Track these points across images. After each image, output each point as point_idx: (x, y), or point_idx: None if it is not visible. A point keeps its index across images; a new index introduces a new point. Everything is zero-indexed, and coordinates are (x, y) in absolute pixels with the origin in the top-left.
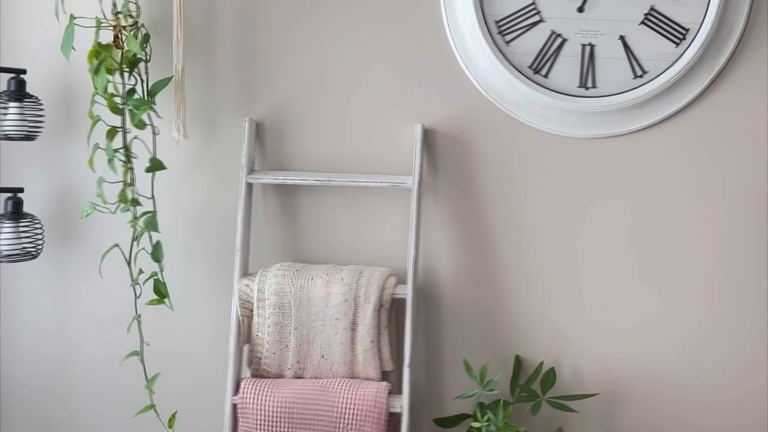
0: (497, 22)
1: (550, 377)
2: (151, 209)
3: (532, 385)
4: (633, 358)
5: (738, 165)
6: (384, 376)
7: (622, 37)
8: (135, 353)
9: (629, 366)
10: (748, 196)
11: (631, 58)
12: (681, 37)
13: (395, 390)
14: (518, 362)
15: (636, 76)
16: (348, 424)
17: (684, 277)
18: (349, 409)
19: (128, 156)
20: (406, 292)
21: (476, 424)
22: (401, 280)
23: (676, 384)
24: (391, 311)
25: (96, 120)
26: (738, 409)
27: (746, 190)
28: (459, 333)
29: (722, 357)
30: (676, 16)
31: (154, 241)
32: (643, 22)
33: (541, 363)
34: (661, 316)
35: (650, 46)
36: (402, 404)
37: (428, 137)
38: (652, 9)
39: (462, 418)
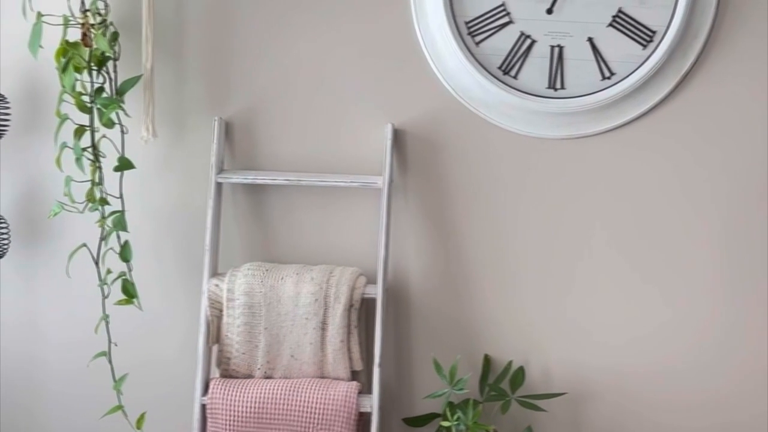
0: (467, 23)
1: (518, 376)
2: (120, 209)
3: (501, 384)
4: (601, 357)
5: (705, 164)
6: (354, 375)
7: (590, 39)
8: (103, 354)
9: (597, 365)
10: (713, 195)
11: (599, 59)
12: (648, 39)
13: (365, 390)
14: (487, 361)
15: (604, 78)
16: (318, 424)
17: (653, 277)
18: (319, 408)
19: (96, 155)
20: (376, 291)
21: (446, 423)
22: (371, 280)
23: (643, 383)
24: (361, 311)
25: (63, 119)
26: (706, 409)
27: (712, 189)
28: (428, 332)
29: (692, 357)
30: (644, 18)
31: (122, 241)
32: (610, 24)
33: (510, 362)
34: (630, 317)
35: (618, 47)
36: (372, 404)
37: (398, 137)
38: (619, 11)
39: (432, 417)
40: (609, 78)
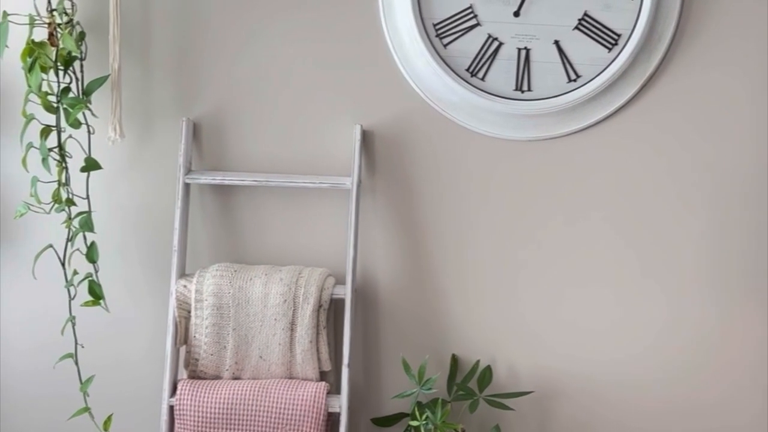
0: (435, 25)
1: (486, 375)
2: (86, 209)
3: (469, 383)
4: (567, 356)
5: (671, 164)
6: (322, 376)
7: (556, 42)
8: (69, 355)
9: (563, 364)
10: (678, 196)
11: (566, 62)
12: (613, 42)
13: (333, 390)
14: (455, 361)
15: (570, 80)
16: (286, 424)
17: (618, 277)
18: (288, 409)
19: (63, 155)
20: (345, 292)
21: (414, 423)
22: (340, 281)
23: (608, 382)
24: (330, 311)
25: (29, 119)
26: (673, 410)
27: (675, 190)
28: (396, 333)
29: (658, 358)
30: (609, 21)
31: (89, 242)
32: (576, 28)
33: (477, 362)
34: (596, 317)
35: (584, 50)
36: (340, 404)
37: (366, 138)
38: (585, 15)
39: (400, 417)
40: (575, 80)
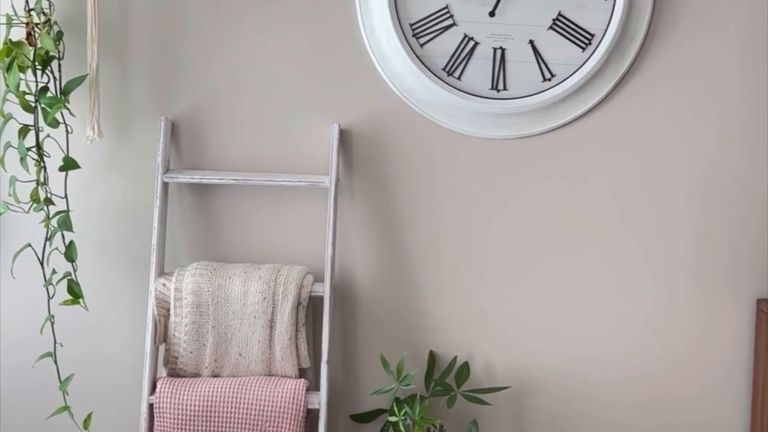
0: (412, 25)
1: (463, 371)
2: (65, 208)
3: (447, 379)
4: (543, 351)
5: (641, 164)
6: (301, 373)
7: (531, 42)
8: (48, 354)
9: (539, 360)
10: (655, 193)
11: (540, 61)
12: (587, 42)
13: (312, 387)
14: (432, 357)
15: (545, 79)
16: (266, 421)
17: (594, 275)
18: (267, 406)
19: (41, 155)
20: (324, 289)
21: (393, 419)
22: (318, 278)
23: (585, 378)
24: (309, 309)
25: (7, 118)
26: (649, 406)
27: (652, 187)
28: (374, 330)
29: (637, 355)
30: (583, 21)
31: (67, 241)
32: (551, 28)
33: (455, 357)
34: (574, 314)
35: (558, 50)
36: (320, 401)
37: (344, 137)
38: (559, 15)
39: (378, 413)
40: (549, 80)
